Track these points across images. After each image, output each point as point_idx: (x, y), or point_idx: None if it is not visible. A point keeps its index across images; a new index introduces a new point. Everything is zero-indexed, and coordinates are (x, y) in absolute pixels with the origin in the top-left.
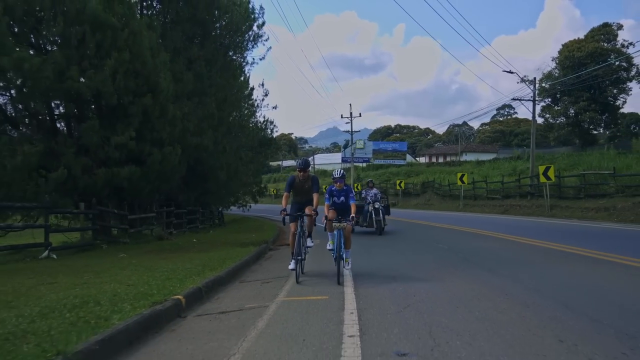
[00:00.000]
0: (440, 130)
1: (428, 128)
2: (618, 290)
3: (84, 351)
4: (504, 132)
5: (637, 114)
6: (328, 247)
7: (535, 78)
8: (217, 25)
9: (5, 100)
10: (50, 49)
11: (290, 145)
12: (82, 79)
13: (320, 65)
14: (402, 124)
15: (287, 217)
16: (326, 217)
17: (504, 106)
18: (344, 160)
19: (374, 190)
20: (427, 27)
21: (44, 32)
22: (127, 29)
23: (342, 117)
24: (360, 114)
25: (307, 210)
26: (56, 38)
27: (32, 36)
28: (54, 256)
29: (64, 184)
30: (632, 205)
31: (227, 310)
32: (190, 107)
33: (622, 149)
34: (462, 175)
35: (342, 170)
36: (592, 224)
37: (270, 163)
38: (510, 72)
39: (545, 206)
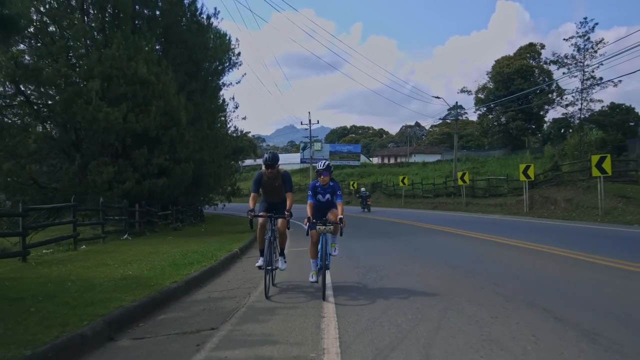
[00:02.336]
0: (394, 130)
1: (382, 129)
2: (450, 244)
3: (222, 259)
4: (450, 134)
5: (565, 118)
6: (311, 279)
7: (457, 102)
8: (206, 61)
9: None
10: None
11: (250, 145)
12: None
13: (277, 62)
14: (358, 124)
15: (256, 219)
16: (309, 219)
17: (454, 107)
18: (302, 161)
19: None
20: (383, 26)
21: (110, 90)
22: (161, 84)
23: (301, 123)
24: (318, 120)
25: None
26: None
27: (103, 93)
28: (130, 238)
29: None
30: (516, 202)
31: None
32: (194, 131)
33: (538, 153)
34: (404, 178)
35: (327, 162)
36: (487, 216)
37: (231, 163)
38: (438, 97)
39: (462, 203)
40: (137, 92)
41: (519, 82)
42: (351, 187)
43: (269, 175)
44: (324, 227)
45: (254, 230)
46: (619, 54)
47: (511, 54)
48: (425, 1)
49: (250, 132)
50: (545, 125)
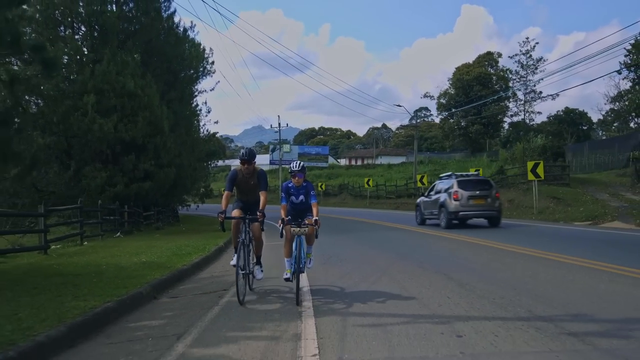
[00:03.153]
0: (361, 132)
1: (350, 130)
2: (395, 235)
3: (213, 251)
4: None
5: (525, 122)
6: (285, 277)
7: (415, 111)
8: (183, 71)
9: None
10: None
11: (219, 146)
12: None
13: (245, 62)
14: (326, 125)
15: (228, 222)
16: (283, 221)
17: (420, 109)
18: (272, 163)
19: None
20: (351, 27)
21: (102, 103)
22: (146, 96)
23: (271, 126)
24: (287, 124)
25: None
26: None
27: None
28: (122, 236)
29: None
30: None
31: None
32: (174, 137)
33: (495, 156)
34: (368, 180)
35: (301, 162)
36: None
37: (204, 165)
38: (399, 105)
39: None
40: (125, 104)
41: (477, 88)
42: (320, 189)
43: (244, 173)
44: (298, 229)
45: (226, 231)
46: (563, 69)
47: (471, 62)
48: (392, 3)
49: (218, 132)
50: (503, 128)
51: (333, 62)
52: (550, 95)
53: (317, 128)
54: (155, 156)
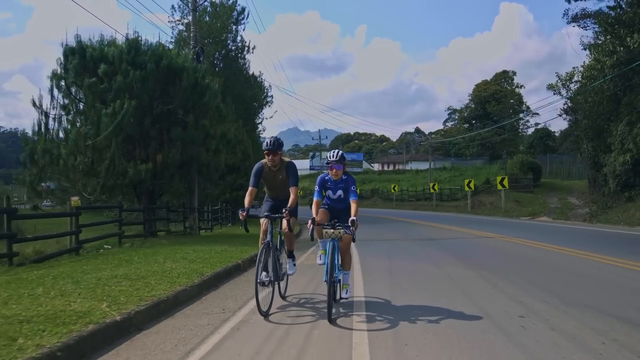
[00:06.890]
0: (395, 135)
1: (383, 135)
2: (415, 229)
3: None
4: (444, 142)
5: (547, 128)
6: (318, 262)
7: (430, 132)
8: (252, 107)
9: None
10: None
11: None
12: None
13: (281, 64)
14: (361, 130)
15: (258, 222)
16: (313, 220)
17: (454, 111)
18: (311, 168)
19: None
20: (386, 29)
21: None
22: (240, 135)
23: (312, 138)
24: (326, 136)
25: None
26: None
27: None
28: (230, 225)
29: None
30: (465, 204)
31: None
32: (254, 158)
33: (504, 165)
34: (394, 186)
35: (339, 151)
36: (444, 213)
37: None
38: (419, 130)
39: (433, 205)
40: (229, 142)
41: (493, 104)
42: None
43: (270, 165)
44: (332, 231)
45: (250, 231)
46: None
47: (489, 79)
48: (429, 3)
49: None
50: (524, 134)
51: (369, 63)
52: (537, 123)
53: (352, 133)
54: (245, 174)
